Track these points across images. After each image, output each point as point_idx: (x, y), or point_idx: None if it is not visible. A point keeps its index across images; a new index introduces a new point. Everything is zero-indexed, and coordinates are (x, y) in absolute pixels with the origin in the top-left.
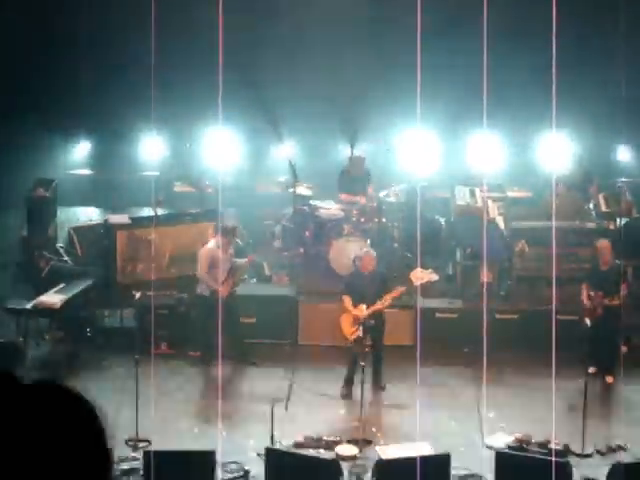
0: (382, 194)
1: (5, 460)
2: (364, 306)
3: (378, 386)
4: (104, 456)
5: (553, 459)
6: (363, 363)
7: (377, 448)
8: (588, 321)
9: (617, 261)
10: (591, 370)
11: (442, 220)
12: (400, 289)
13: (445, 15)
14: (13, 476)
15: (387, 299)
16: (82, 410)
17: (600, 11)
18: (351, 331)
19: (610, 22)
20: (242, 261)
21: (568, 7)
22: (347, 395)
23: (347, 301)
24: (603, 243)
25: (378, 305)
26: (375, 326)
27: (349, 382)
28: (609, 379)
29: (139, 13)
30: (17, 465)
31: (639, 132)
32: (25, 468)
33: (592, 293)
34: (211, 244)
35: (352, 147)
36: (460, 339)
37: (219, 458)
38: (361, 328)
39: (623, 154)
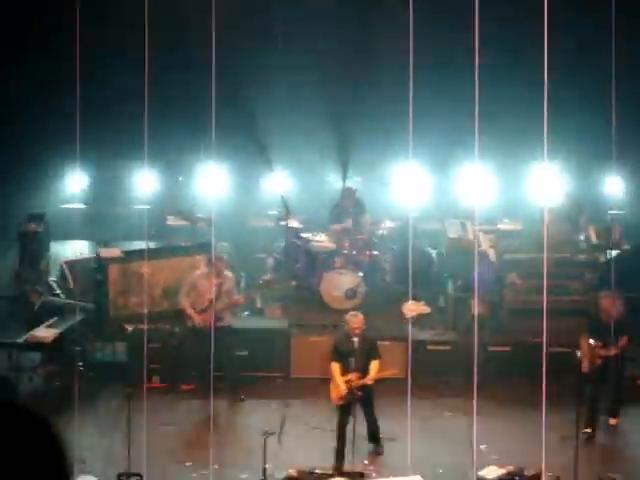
0: (374, 226)
1: None
2: (353, 376)
3: (377, 452)
4: (61, 473)
5: None
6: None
7: None
8: (587, 368)
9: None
10: (587, 430)
11: (433, 253)
12: (393, 371)
13: (435, 47)
14: None
15: (376, 375)
16: (39, 428)
17: (593, 43)
18: (339, 400)
19: (602, 54)
20: (235, 296)
21: (560, 39)
22: (339, 469)
23: (336, 369)
24: (608, 300)
25: (367, 380)
26: (363, 398)
27: (340, 456)
28: (613, 421)
29: (131, 46)
30: None
31: (629, 164)
32: None
33: (592, 342)
34: (197, 272)
35: (344, 180)
36: (452, 371)
37: None
38: (349, 397)
39: (613, 186)
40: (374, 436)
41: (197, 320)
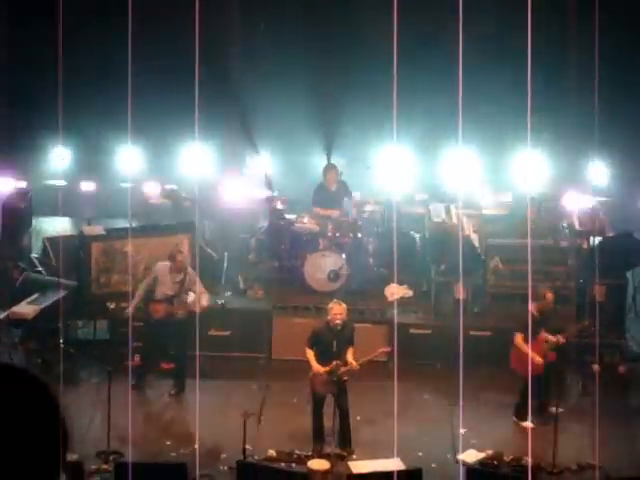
0: (358, 209)
1: None
2: (336, 363)
3: (346, 449)
4: (57, 432)
5: (527, 476)
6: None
7: (349, 463)
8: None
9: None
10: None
11: (417, 236)
12: (383, 349)
13: (421, 30)
14: None
15: (365, 358)
16: (34, 389)
17: (578, 24)
18: (322, 390)
19: (587, 37)
20: (196, 292)
21: (545, 20)
22: (318, 451)
23: (311, 355)
24: (549, 295)
25: (355, 366)
26: (342, 385)
27: (319, 438)
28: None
29: (118, 25)
30: None
31: (614, 150)
32: None
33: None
34: (161, 263)
35: (328, 159)
36: (433, 355)
37: (191, 471)
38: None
39: (597, 172)
40: (345, 438)
41: (159, 314)
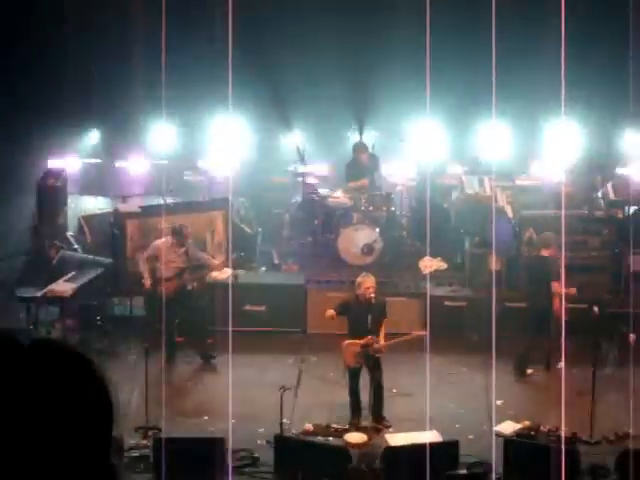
0: (390, 182)
1: (7, 419)
2: (369, 339)
3: (379, 421)
4: (106, 408)
5: (562, 447)
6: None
7: (386, 436)
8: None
9: None
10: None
11: (451, 209)
12: (418, 333)
13: (454, 4)
14: (17, 434)
15: (398, 338)
16: (80, 365)
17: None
18: (354, 361)
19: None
20: (208, 260)
21: None
22: (355, 424)
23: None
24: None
25: (387, 344)
26: (376, 359)
27: (356, 411)
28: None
29: (149, 3)
30: (18, 423)
31: None
32: (26, 426)
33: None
34: (159, 241)
35: (361, 135)
36: (469, 327)
37: (229, 445)
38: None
39: (632, 141)
40: (377, 411)
41: (168, 290)
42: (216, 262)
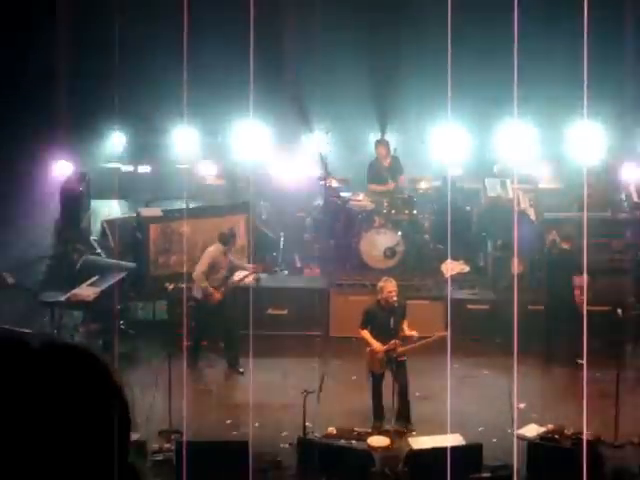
0: (413, 185)
1: (18, 424)
2: (394, 343)
3: (405, 424)
4: (118, 408)
5: (584, 450)
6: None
7: (409, 439)
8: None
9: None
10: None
11: (473, 212)
12: (440, 334)
13: (476, 6)
14: (30, 438)
15: (421, 343)
16: (96, 368)
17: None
18: (378, 368)
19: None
20: (243, 267)
21: None
22: (378, 427)
23: (367, 335)
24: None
25: (416, 345)
26: (401, 362)
27: (379, 415)
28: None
29: (171, 8)
30: (31, 427)
31: None
32: (39, 429)
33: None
34: (214, 247)
35: (382, 136)
36: (492, 330)
37: (252, 448)
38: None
39: None
40: (404, 414)
41: (217, 296)
42: (252, 268)
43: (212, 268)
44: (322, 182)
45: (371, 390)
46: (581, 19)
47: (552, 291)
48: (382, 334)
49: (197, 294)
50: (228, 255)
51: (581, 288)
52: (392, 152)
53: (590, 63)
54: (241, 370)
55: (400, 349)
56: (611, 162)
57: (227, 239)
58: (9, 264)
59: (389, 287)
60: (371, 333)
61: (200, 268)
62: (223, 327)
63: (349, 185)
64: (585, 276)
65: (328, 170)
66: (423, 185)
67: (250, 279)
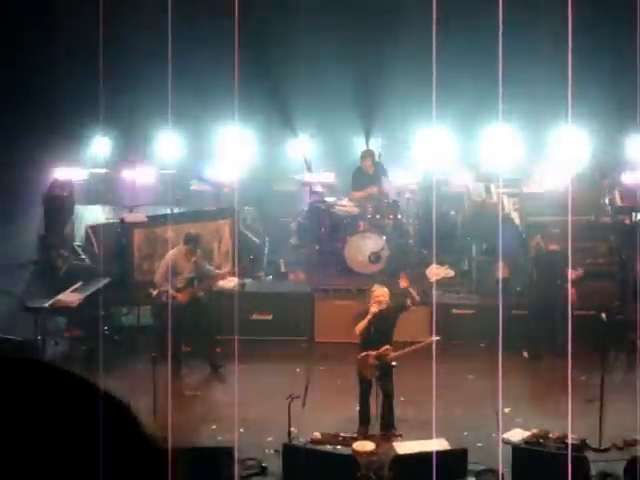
0: (397, 190)
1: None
2: (388, 347)
3: (389, 430)
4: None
5: (569, 454)
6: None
7: (394, 444)
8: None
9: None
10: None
11: (457, 216)
12: (431, 339)
13: (459, 9)
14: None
15: (413, 347)
16: (66, 384)
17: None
18: (370, 373)
19: (625, 10)
20: (212, 272)
21: None
22: (364, 433)
23: (362, 323)
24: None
25: (407, 350)
26: (388, 368)
27: (365, 422)
28: None
29: (154, 13)
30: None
31: None
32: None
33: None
34: (175, 249)
35: (367, 143)
36: (476, 334)
37: (237, 455)
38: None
39: (639, 148)
40: (389, 420)
41: (182, 299)
42: (220, 273)
43: (173, 270)
44: (307, 187)
45: (359, 395)
46: (565, 20)
47: (537, 294)
48: (372, 340)
49: (161, 297)
50: (193, 257)
51: (573, 281)
52: (376, 158)
53: (575, 67)
54: (221, 365)
55: (392, 355)
56: (595, 166)
57: (189, 240)
58: None
59: (377, 292)
60: (362, 339)
61: (158, 271)
62: (195, 330)
63: (333, 190)
64: (579, 270)
65: (311, 171)
66: (407, 190)
67: (231, 285)
